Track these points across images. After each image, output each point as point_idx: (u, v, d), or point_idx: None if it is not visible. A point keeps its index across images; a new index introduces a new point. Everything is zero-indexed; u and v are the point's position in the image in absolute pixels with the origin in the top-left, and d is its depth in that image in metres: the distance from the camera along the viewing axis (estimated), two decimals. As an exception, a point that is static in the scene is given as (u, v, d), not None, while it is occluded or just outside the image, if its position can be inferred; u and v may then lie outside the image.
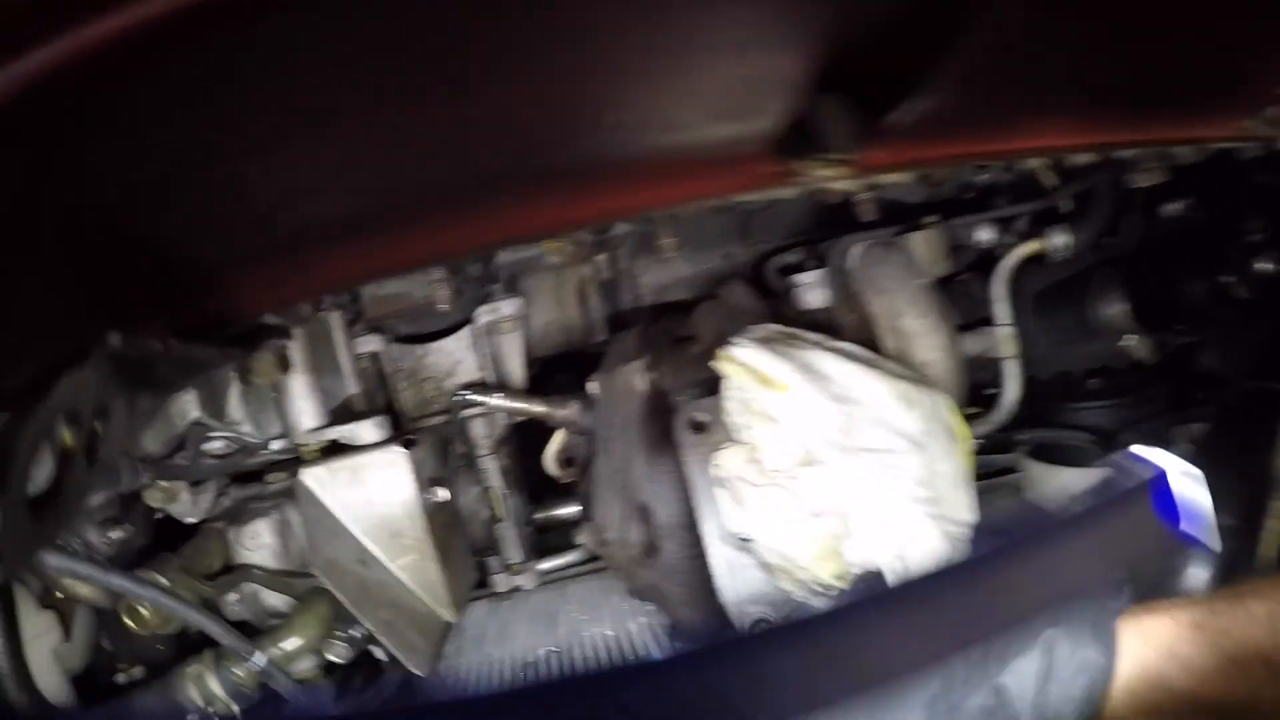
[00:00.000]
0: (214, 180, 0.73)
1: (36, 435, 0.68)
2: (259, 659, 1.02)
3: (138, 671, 1.29)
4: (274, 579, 1.21)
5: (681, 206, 1.01)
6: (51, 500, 0.73)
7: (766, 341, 1.17)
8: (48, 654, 1.25)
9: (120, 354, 0.73)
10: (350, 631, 1.12)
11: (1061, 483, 1.77)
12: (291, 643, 1.10)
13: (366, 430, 1.28)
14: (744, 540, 1.15)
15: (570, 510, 1.94)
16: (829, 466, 1.12)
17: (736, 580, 1.15)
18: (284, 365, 1.25)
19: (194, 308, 0.92)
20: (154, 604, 1.06)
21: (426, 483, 1.25)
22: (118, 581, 0.99)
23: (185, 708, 1.08)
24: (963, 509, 1.18)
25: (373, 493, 1.22)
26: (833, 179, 0.78)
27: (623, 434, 1.28)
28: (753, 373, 1.13)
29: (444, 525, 1.24)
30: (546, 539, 1.98)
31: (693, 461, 1.17)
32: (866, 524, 1.13)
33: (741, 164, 0.95)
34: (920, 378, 1.30)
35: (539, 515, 1.93)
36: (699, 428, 1.19)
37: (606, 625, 1.71)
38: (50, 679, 1.23)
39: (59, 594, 1.19)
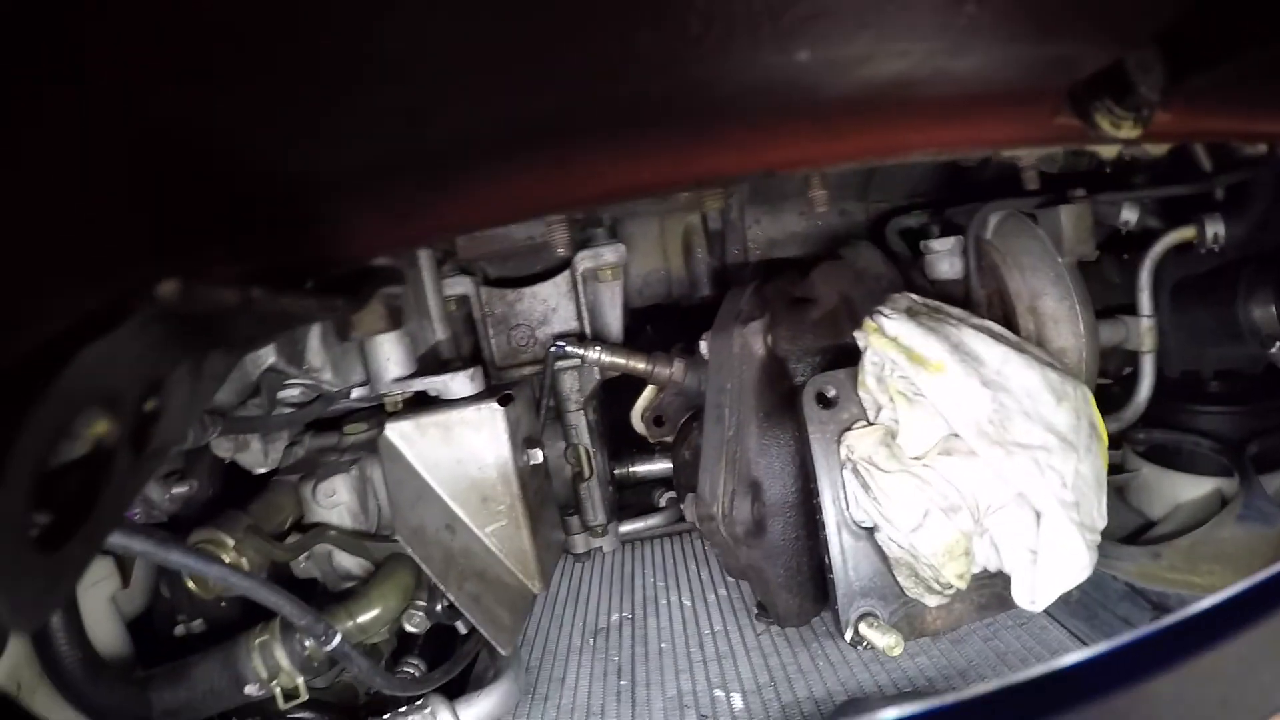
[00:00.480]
0: (330, 60, 0.51)
1: (45, 431, 0.43)
2: (336, 640, 0.94)
3: (197, 625, 1.24)
4: (350, 541, 1.13)
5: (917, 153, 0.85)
6: (76, 518, 0.49)
7: (912, 314, 1.06)
8: (105, 601, 1.22)
9: (178, 310, 0.49)
10: (431, 604, 1.05)
11: (1174, 489, 1.65)
12: (369, 615, 1.03)
13: (459, 383, 1.18)
14: (865, 529, 1.05)
15: (652, 468, 1.86)
16: (972, 458, 1.01)
17: (850, 569, 1.06)
18: (395, 319, 1.10)
19: (284, 245, 0.71)
20: (219, 580, 0.98)
21: (521, 444, 1.17)
22: (178, 558, 0.91)
23: (245, 678, 1.00)
24: (1099, 514, 1.07)
25: (464, 452, 1.13)
26: (1125, 138, 0.66)
27: (736, 400, 1.18)
28: (902, 348, 1.03)
29: (536, 490, 1.15)
30: (624, 497, 1.91)
31: (817, 438, 1.07)
32: (1005, 525, 1.02)
33: (1034, 111, 0.79)
34: (1063, 367, 1.18)
35: (619, 472, 1.86)
36: (827, 402, 1.09)
37: (684, 594, 1.63)
38: (107, 626, 1.19)
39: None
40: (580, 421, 1.57)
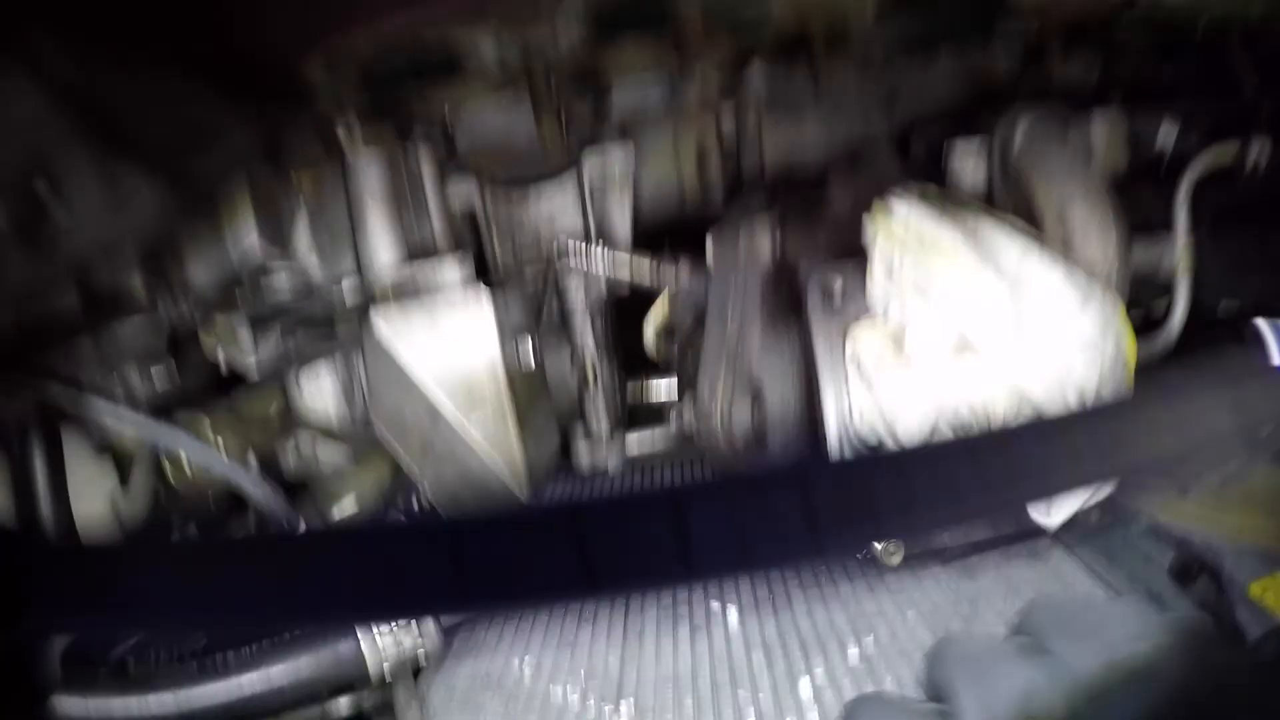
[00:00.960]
0: None
1: None
2: (301, 528, 0.91)
3: (191, 530, 1.22)
4: (332, 430, 1.10)
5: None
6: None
7: (926, 200, 0.99)
8: (103, 498, 1.20)
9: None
10: (411, 502, 1.00)
11: None
12: (343, 507, 0.99)
13: (447, 268, 1.14)
14: (871, 443, 1.00)
15: (665, 393, 1.82)
16: (986, 358, 0.95)
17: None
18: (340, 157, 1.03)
19: (193, 31, 0.63)
20: (190, 455, 0.94)
21: (510, 333, 1.12)
22: (145, 423, 0.88)
23: None
24: None
25: (448, 338, 1.08)
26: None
27: (741, 300, 1.13)
28: (913, 234, 0.96)
29: (527, 388, 1.11)
30: (634, 416, 1.87)
31: (821, 335, 1.01)
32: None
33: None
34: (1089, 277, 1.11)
35: (630, 396, 1.81)
36: (832, 296, 1.03)
37: (688, 513, 1.59)
38: (103, 524, 1.17)
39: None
40: (586, 328, 1.52)
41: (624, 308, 1.78)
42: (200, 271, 1.06)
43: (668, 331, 1.67)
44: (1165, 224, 1.41)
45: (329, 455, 1.10)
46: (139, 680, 0.86)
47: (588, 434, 1.59)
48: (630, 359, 1.84)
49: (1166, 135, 1.43)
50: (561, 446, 1.78)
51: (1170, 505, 1.43)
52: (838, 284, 1.02)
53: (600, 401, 1.56)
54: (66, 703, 0.84)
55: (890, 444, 0.96)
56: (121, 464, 1.25)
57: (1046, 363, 0.94)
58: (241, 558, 0.41)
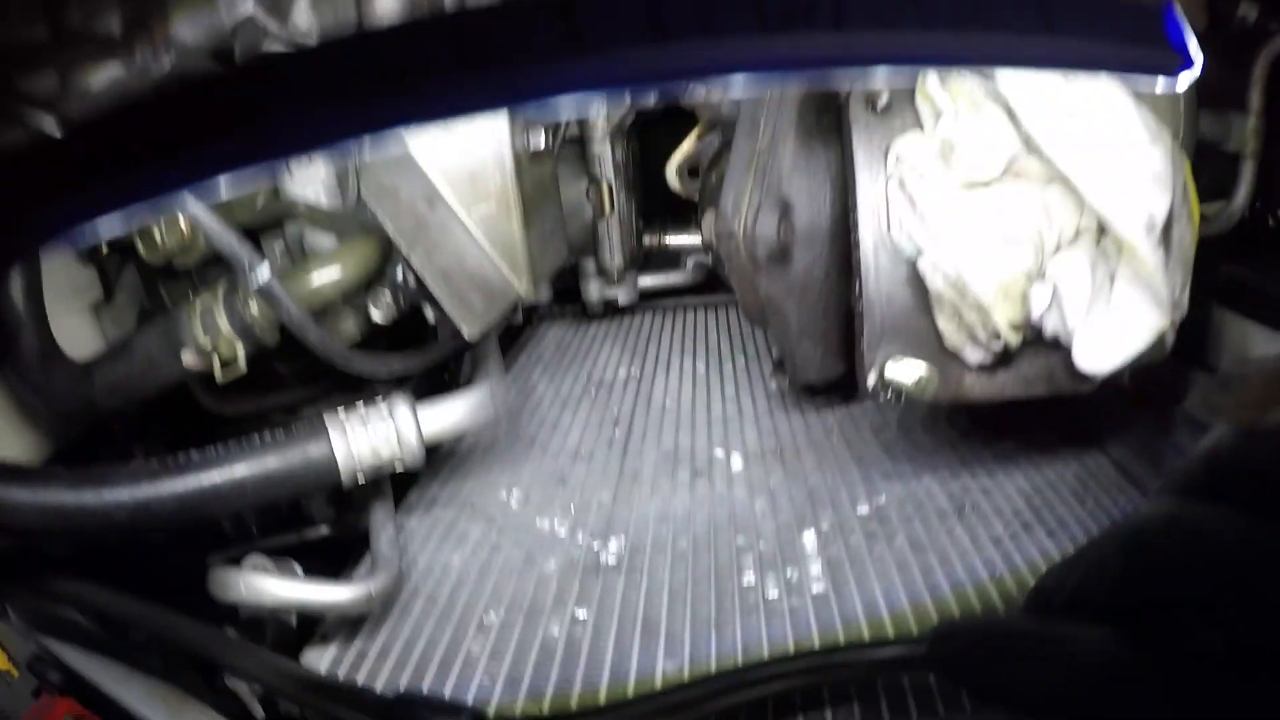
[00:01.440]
0: None
1: None
2: (263, 270, 0.81)
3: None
4: (321, 215, 1.00)
5: None
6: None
7: None
8: (85, 310, 1.13)
9: None
10: (397, 276, 0.90)
11: (1246, 341, 1.42)
12: (322, 275, 0.89)
13: None
14: (908, 256, 0.89)
15: (684, 240, 1.72)
16: (1044, 184, 0.84)
17: (882, 302, 0.90)
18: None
19: None
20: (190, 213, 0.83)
21: (521, 124, 1.00)
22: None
23: (183, 343, 0.89)
24: (1183, 295, 0.89)
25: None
26: None
27: (774, 112, 1.00)
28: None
29: (535, 184, 1.00)
30: (650, 264, 1.78)
31: (861, 146, 0.89)
32: (1073, 268, 0.86)
33: None
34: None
35: (649, 240, 1.72)
36: (877, 106, 0.90)
37: (699, 360, 1.51)
38: (87, 336, 1.10)
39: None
40: (605, 153, 1.40)
41: (646, 147, 1.67)
42: (187, 29, 0.95)
43: (691, 170, 1.56)
44: (1238, 104, 1.26)
45: (319, 245, 1.01)
46: (94, 477, 0.79)
47: (600, 269, 1.50)
48: (649, 208, 1.74)
49: (1249, 7, 1.27)
50: (570, 287, 1.69)
51: (1212, 400, 1.31)
52: (884, 93, 0.90)
53: (615, 232, 1.46)
54: (15, 492, 0.78)
55: (931, 259, 0.86)
56: (106, 274, 1.17)
57: (1116, 183, 0.82)
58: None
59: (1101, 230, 0.87)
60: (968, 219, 0.85)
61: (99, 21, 0.90)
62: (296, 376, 1.26)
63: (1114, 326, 0.86)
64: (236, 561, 0.96)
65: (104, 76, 0.90)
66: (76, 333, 1.10)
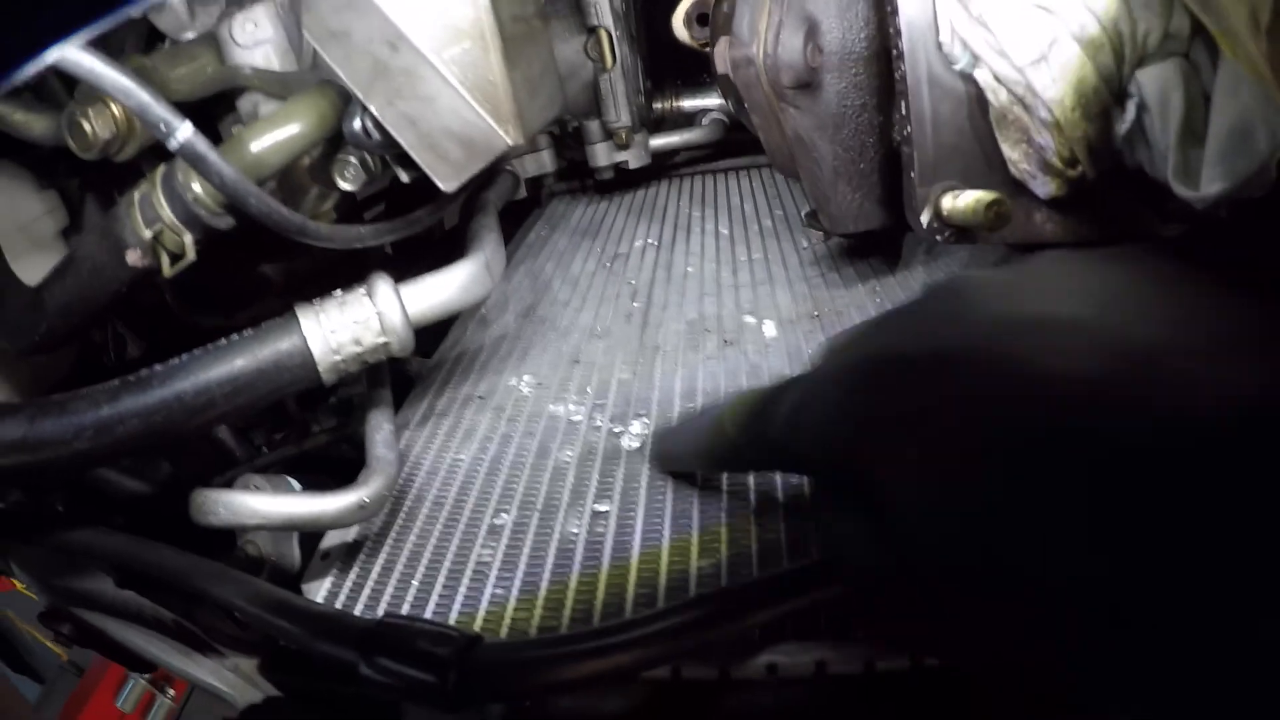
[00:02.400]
0: None
1: None
2: (182, 130, 0.67)
3: None
4: (271, 80, 0.86)
5: None
6: None
7: None
8: (52, 238, 1.03)
9: None
10: (354, 125, 0.75)
11: None
12: (270, 137, 0.75)
13: None
14: (963, 69, 0.74)
15: (699, 102, 1.57)
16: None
17: (935, 128, 0.75)
18: None
19: None
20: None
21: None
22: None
23: (125, 241, 0.77)
24: None
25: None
26: None
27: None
28: None
29: (517, 18, 0.85)
30: (663, 129, 1.63)
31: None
32: (1162, 83, 0.70)
33: None
34: None
35: (660, 105, 1.57)
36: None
37: (721, 223, 1.37)
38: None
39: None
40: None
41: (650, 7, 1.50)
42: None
43: (700, 18, 1.40)
44: None
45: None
46: (50, 405, 0.69)
47: (607, 131, 1.35)
48: (657, 69, 1.58)
49: None
50: (573, 161, 1.55)
51: None
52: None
53: (620, 87, 1.30)
54: None
55: (991, 69, 0.71)
56: (68, 197, 1.06)
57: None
58: None
59: (1192, 37, 0.71)
60: (1035, 19, 0.69)
61: None
62: (288, 280, 1.15)
63: (1216, 144, 0.71)
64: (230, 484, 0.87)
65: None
66: (47, 263, 1.01)
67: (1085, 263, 0.47)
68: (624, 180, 1.56)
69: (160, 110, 0.66)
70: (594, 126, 1.38)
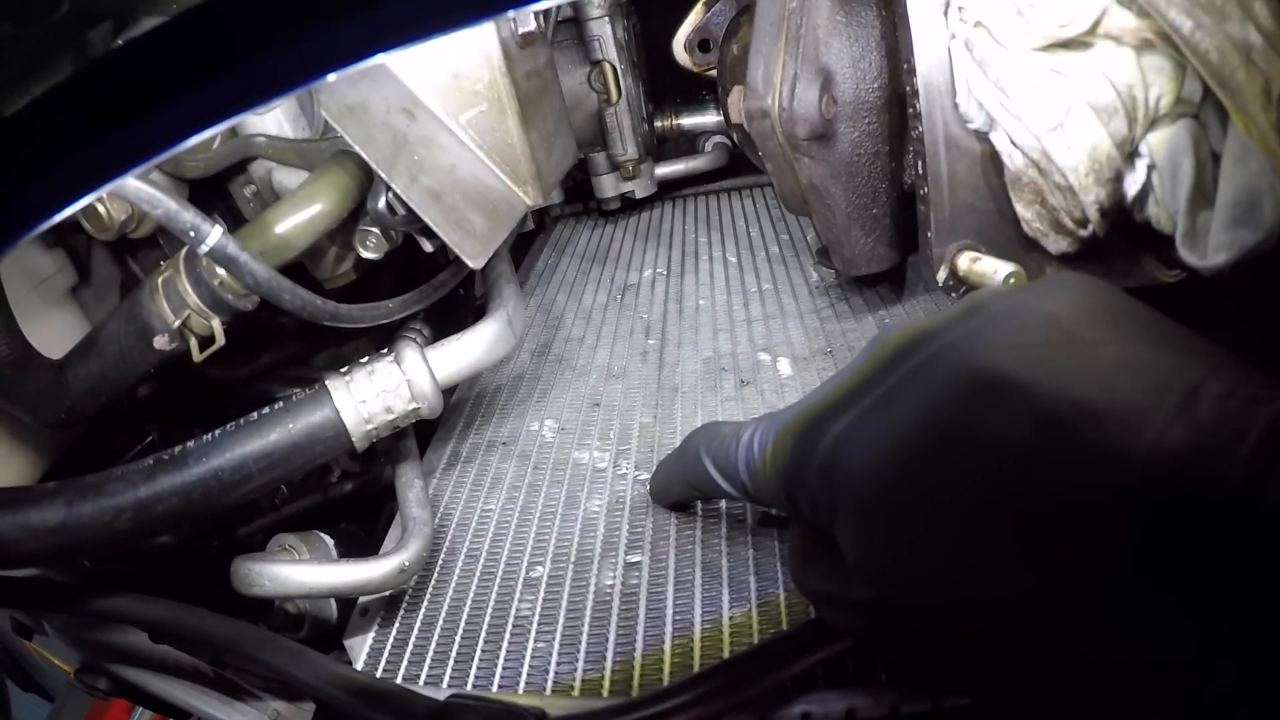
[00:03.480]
0: None
1: None
2: (213, 234, 0.69)
3: None
4: (284, 148, 0.87)
5: None
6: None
7: None
8: (63, 296, 1.04)
9: None
10: (380, 205, 0.77)
11: None
12: (294, 220, 0.77)
13: None
14: (979, 130, 0.76)
15: (700, 120, 1.58)
16: (1138, 42, 0.70)
17: (950, 188, 0.77)
18: None
19: None
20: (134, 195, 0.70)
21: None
22: None
23: (152, 328, 0.78)
24: None
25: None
26: None
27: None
28: None
29: (531, 76, 0.86)
30: (666, 151, 1.64)
31: (917, 3, 0.75)
32: (1173, 144, 0.72)
33: None
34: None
35: (662, 124, 1.57)
36: (933, -51, 0.76)
37: (729, 250, 1.39)
38: (71, 324, 1.02)
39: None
40: (605, 32, 1.25)
41: (648, 21, 1.51)
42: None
43: (701, 44, 1.41)
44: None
45: (288, 182, 0.88)
46: (88, 487, 0.71)
47: (613, 162, 1.36)
48: (657, 89, 1.59)
49: None
50: (579, 184, 1.57)
51: None
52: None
53: (625, 120, 1.32)
54: (5, 521, 0.70)
55: (1007, 132, 0.73)
56: (76, 253, 1.06)
57: (1223, 43, 0.68)
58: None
59: (1202, 101, 0.73)
60: (1050, 85, 0.71)
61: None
62: (300, 324, 1.16)
63: (1224, 214, 0.73)
64: (267, 535, 0.89)
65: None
66: (59, 323, 1.02)
67: (1062, 296, 0.51)
68: (629, 204, 1.58)
69: (188, 216, 0.67)
70: (600, 158, 1.39)
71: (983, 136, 0.76)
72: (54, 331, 0.98)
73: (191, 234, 0.68)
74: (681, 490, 0.80)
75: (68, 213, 0.29)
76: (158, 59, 0.23)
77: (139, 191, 0.67)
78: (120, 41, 0.86)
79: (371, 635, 0.78)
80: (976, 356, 0.48)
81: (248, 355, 1.11)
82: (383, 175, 0.75)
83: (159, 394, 1.13)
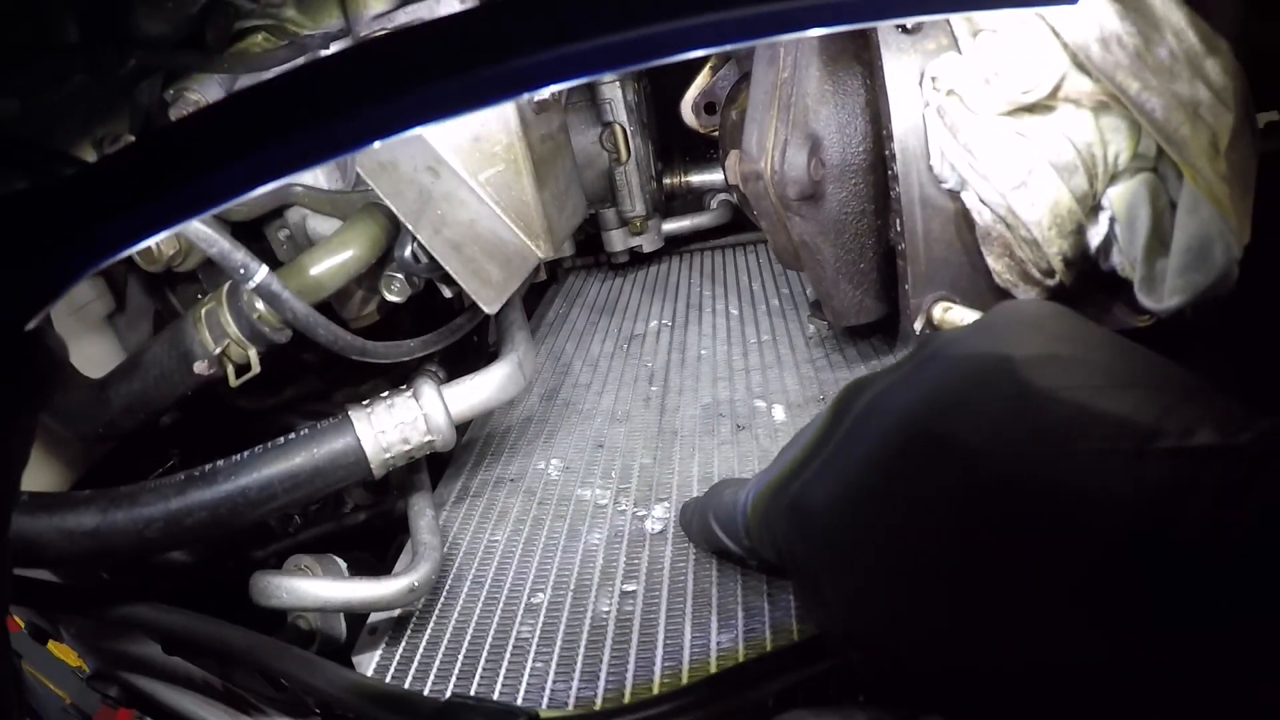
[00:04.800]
0: None
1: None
2: (260, 273, 0.77)
3: None
4: (319, 198, 0.95)
5: None
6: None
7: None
8: (100, 322, 1.11)
9: None
10: (405, 254, 0.85)
11: None
12: (327, 264, 0.84)
13: (447, 5, 0.94)
14: (949, 190, 0.83)
15: (706, 178, 1.65)
16: (1096, 105, 0.77)
17: (925, 241, 0.84)
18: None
19: None
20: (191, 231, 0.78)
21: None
22: None
23: (193, 354, 0.85)
24: (1248, 220, 0.81)
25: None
26: None
27: (795, 39, 0.93)
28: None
29: (545, 138, 0.94)
30: (673, 207, 1.72)
31: (894, 70, 0.82)
32: (1131, 197, 0.79)
33: None
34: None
35: (669, 181, 1.65)
36: (909, 26, 0.83)
37: (731, 304, 1.45)
38: (105, 349, 1.08)
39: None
40: (616, 96, 1.34)
41: (657, 83, 1.60)
42: (151, 20, 0.89)
43: (707, 106, 1.50)
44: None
45: (321, 229, 0.96)
46: (122, 497, 0.77)
47: (622, 219, 1.44)
48: (668, 141, 1.67)
49: None
50: (589, 238, 1.64)
51: None
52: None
53: (634, 179, 1.39)
54: (44, 522, 0.76)
55: (977, 192, 0.79)
56: (114, 281, 1.14)
57: (1172, 102, 0.74)
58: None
59: (1159, 154, 0.80)
60: (1014, 146, 0.78)
61: (53, 19, 0.85)
62: (322, 361, 1.23)
63: (1179, 259, 0.79)
64: (283, 559, 0.94)
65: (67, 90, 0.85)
66: (95, 346, 1.08)
67: (1013, 335, 0.53)
68: (637, 258, 1.65)
69: (239, 256, 0.75)
70: (610, 214, 1.47)
71: (955, 195, 0.83)
72: (90, 354, 1.04)
73: (241, 271, 0.75)
74: (709, 550, 0.85)
75: (148, 242, 0.34)
76: (238, 120, 0.29)
77: (198, 231, 0.74)
78: (171, 92, 0.94)
79: (379, 652, 0.83)
80: (917, 412, 0.50)
81: (271, 388, 1.18)
82: (409, 227, 0.82)
83: (183, 420, 1.19)
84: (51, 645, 1.08)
